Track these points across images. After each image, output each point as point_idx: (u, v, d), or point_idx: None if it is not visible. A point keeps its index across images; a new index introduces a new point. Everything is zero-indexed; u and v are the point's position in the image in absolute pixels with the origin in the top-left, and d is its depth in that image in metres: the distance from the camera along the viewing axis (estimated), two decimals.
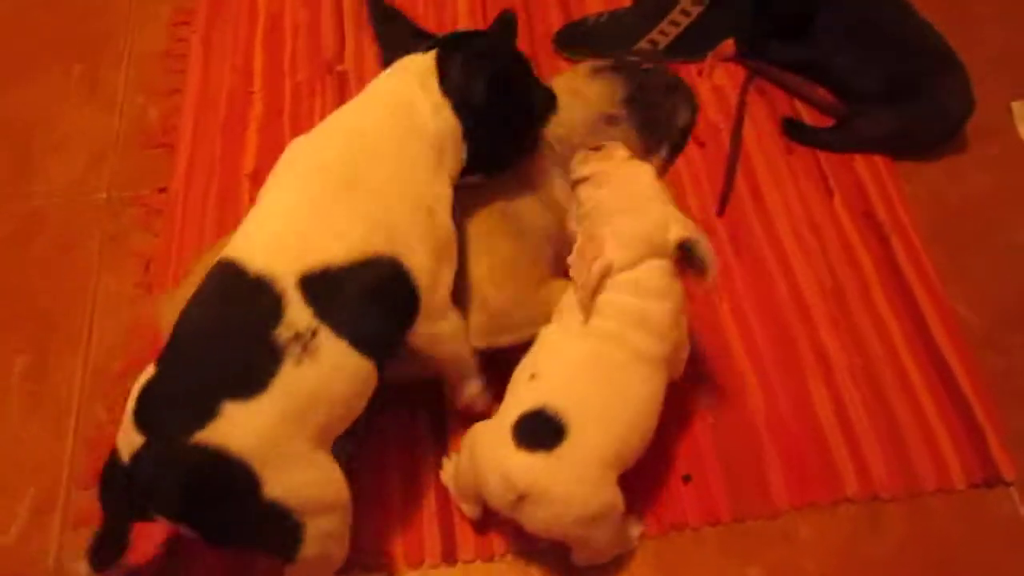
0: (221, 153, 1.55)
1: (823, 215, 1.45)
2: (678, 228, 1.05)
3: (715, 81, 1.62)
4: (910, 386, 1.27)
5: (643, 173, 1.11)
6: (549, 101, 1.16)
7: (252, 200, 1.42)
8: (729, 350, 1.30)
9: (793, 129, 1.53)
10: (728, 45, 1.61)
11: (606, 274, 1.03)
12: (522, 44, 1.65)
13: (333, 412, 0.96)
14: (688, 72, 1.61)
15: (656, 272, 1.05)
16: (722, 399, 1.26)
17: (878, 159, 1.51)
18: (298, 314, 0.92)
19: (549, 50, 1.67)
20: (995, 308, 1.36)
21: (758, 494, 1.18)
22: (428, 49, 1.09)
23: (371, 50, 1.69)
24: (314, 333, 0.92)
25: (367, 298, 0.96)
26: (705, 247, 1.05)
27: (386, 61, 1.14)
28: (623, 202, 1.08)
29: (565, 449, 0.98)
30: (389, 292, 0.99)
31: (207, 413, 0.88)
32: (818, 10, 1.53)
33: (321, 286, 0.94)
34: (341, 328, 0.94)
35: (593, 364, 1.04)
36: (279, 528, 0.93)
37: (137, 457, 0.90)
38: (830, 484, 1.19)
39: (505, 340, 1.14)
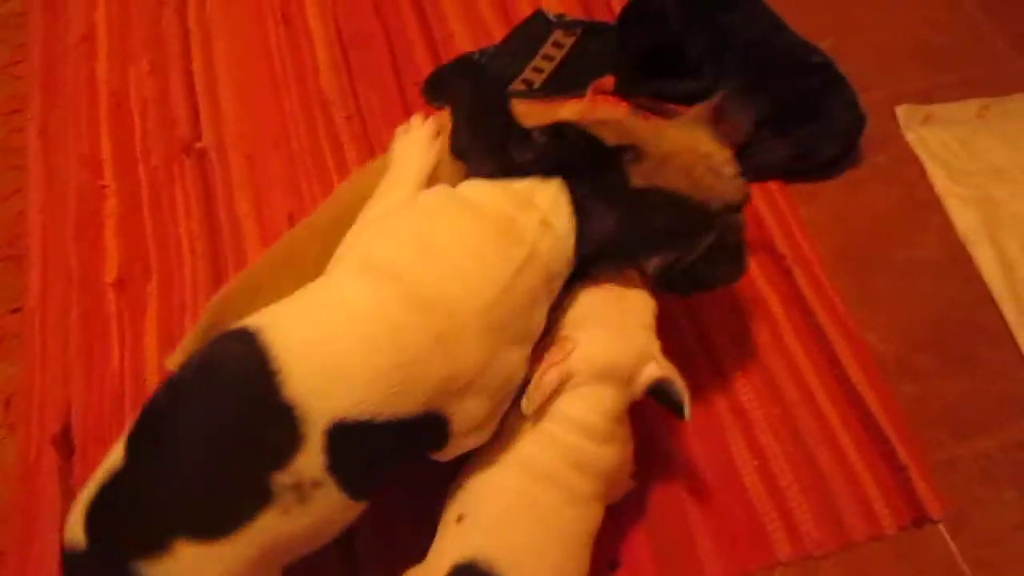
0: (78, 261, 1.41)
1: None
2: (654, 368, 0.98)
3: (598, 116, 1.54)
4: (830, 431, 1.24)
5: (646, 299, 1.03)
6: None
7: (120, 313, 1.34)
8: (644, 416, 1.25)
9: None
10: (608, 79, 1.54)
11: (562, 383, 0.95)
12: (388, 91, 1.58)
13: (301, 552, 0.84)
14: None
15: (610, 405, 0.98)
16: (645, 473, 1.21)
17: (773, 186, 1.47)
18: (309, 462, 0.77)
19: (419, 98, 1.58)
20: (903, 332, 1.34)
21: (691, 572, 1.14)
22: (539, 167, 0.92)
23: (231, 117, 1.56)
24: (316, 485, 0.78)
25: (388, 453, 0.84)
26: (680, 389, 0.98)
27: (472, 163, 0.96)
28: (613, 316, 1.00)
29: None
30: (416, 443, 0.87)
31: (155, 546, 0.75)
32: (681, 42, 1.47)
33: (348, 437, 0.78)
34: (347, 483, 0.80)
35: (525, 507, 0.94)
36: None
37: (71, 557, 0.79)
38: (762, 551, 1.15)
39: None
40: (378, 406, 0.79)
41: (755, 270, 1.38)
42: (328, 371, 0.78)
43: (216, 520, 0.76)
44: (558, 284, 0.94)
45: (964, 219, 1.44)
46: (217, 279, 1.38)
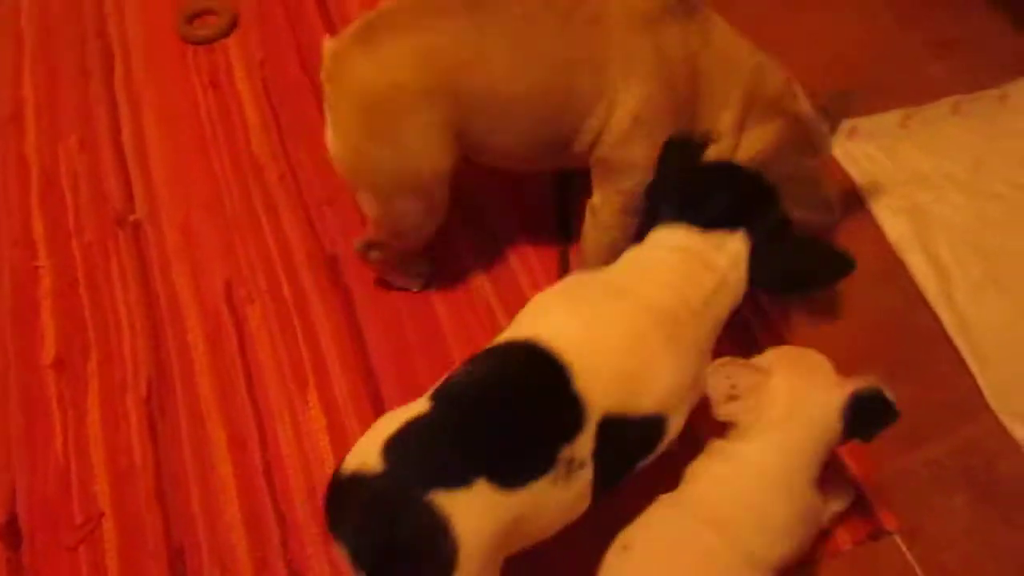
0: (14, 345, 1.39)
1: None
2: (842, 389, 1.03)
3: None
4: None
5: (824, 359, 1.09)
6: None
7: (60, 394, 1.32)
8: None
9: None
10: None
11: (753, 421, 1.02)
12: (320, 147, 1.57)
13: (539, 531, 0.96)
14: None
15: (808, 455, 1.01)
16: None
17: None
18: (584, 444, 0.93)
19: None
20: (845, 342, 1.35)
21: None
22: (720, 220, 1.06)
23: (164, 186, 1.56)
24: (581, 465, 0.94)
25: (631, 451, 1.00)
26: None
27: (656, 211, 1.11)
28: (812, 377, 1.06)
29: None
30: (646, 446, 1.02)
31: (458, 479, 0.86)
32: None
33: (612, 430, 0.95)
34: (599, 471, 0.95)
35: (689, 547, 0.98)
36: None
37: (362, 482, 0.88)
38: None
39: None
40: (632, 402, 0.97)
41: None
42: (601, 372, 0.96)
43: (514, 471, 0.89)
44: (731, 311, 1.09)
45: (895, 228, 1.47)
46: (157, 352, 1.37)
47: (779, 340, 1.35)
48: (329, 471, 1.23)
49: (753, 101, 1.22)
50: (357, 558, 0.87)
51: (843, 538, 1.19)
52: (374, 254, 1.34)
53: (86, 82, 1.72)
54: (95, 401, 1.33)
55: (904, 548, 1.19)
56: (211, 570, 1.18)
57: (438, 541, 0.84)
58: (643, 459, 1.03)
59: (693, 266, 1.04)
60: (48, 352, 1.38)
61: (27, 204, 1.55)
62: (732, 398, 1.03)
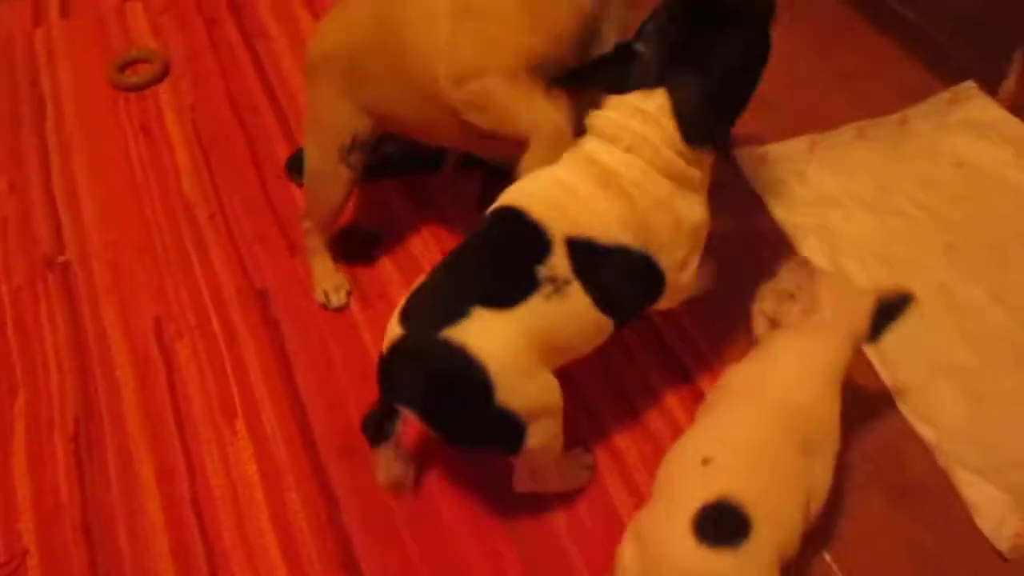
0: None
1: None
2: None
3: (458, 188, 1.62)
4: None
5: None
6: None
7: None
8: None
9: None
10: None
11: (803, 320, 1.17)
12: (250, 186, 1.62)
13: (564, 343, 1.12)
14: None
15: (846, 353, 1.15)
16: (524, 524, 1.24)
17: None
18: (559, 263, 1.08)
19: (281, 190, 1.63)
20: None
21: None
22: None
23: (94, 228, 1.58)
24: (567, 282, 1.08)
25: (616, 275, 1.12)
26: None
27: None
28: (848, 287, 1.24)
29: (751, 546, 0.96)
30: (637, 276, 1.15)
31: (457, 313, 1.03)
32: None
33: (581, 252, 1.09)
34: (589, 288, 1.10)
35: (772, 453, 1.04)
36: (505, 429, 1.07)
37: (393, 348, 1.07)
38: None
39: None
40: (586, 228, 1.10)
41: (631, 336, 1.45)
42: (548, 205, 1.11)
43: (502, 294, 1.06)
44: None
45: (806, 245, 1.53)
46: (85, 390, 1.37)
47: (704, 358, 1.40)
48: (258, 497, 1.25)
49: None
50: (414, 408, 1.07)
51: None
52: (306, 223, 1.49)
53: (18, 129, 1.75)
54: (21, 441, 1.33)
55: (822, 550, 1.24)
56: None
57: (464, 366, 1.02)
58: (649, 296, 1.19)
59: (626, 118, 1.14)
60: None
61: None
62: (792, 297, 1.20)
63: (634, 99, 1.13)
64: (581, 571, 1.19)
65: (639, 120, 1.12)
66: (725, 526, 0.97)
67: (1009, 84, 1.70)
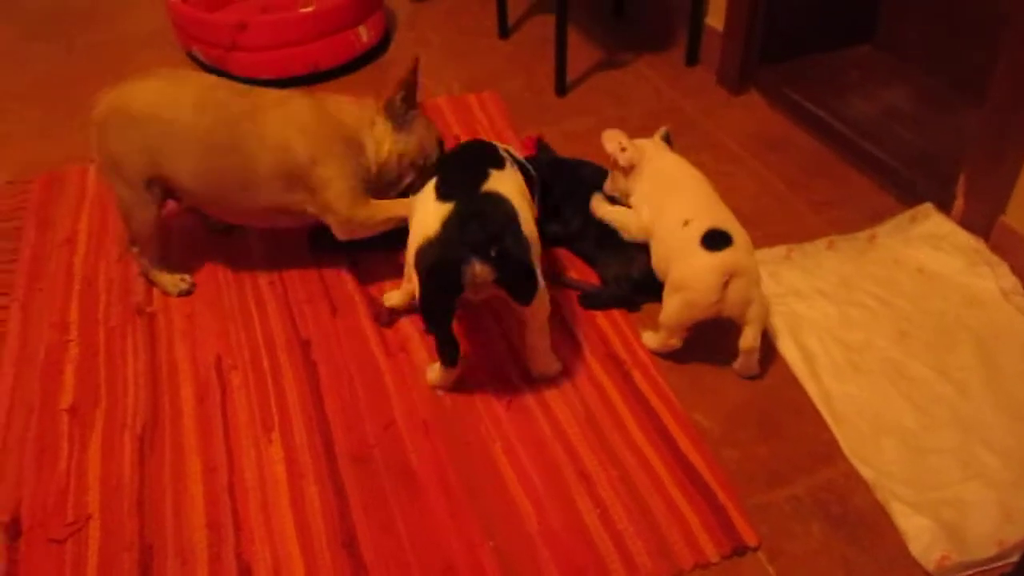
0: (39, 396, 1.69)
1: (573, 361, 1.71)
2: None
3: None
4: (661, 485, 1.48)
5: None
6: None
7: (71, 431, 1.60)
8: (503, 482, 1.49)
9: (585, 300, 1.87)
10: None
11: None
12: (304, 260, 1.95)
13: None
14: None
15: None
16: (500, 523, 1.43)
17: (616, 313, 1.81)
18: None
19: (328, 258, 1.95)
20: (725, 411, 1.62)
21: None
22: None
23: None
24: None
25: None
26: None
27: None
28: None
29: (737, 243, 1.60)
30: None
31: (483, 176, 1.54)
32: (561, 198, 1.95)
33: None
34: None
35: (711, 200, 1.72)
36: (528, 263, 1.48)
37: (447, 220, 1.45)
38: None
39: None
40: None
41: (600, 374, 1.69)
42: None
43: (498, 162, 1.62)
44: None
45: (771, 324, 1.76)
46: (155, 404, 1.66)
47: (666, 407, 1.61)
48: (282, 490, 1.49)
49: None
50: (491, 244, 1.43)
51: (711, 551, 1.38)
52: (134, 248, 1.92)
53: None
54: (98, 437, 1.60)
55: (766, 563, 1.38)
56: (172, 562, 1.40)
57: (502, 201, 1.49)
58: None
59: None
60: (65, 399, 1.68)
61: (68, 300, 1.91)
62: (623, 149, 1.79)
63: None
64: (550, 564, 1.38)
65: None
66: (719, 240, 1.59)
67: (959, 203, 1.95)
